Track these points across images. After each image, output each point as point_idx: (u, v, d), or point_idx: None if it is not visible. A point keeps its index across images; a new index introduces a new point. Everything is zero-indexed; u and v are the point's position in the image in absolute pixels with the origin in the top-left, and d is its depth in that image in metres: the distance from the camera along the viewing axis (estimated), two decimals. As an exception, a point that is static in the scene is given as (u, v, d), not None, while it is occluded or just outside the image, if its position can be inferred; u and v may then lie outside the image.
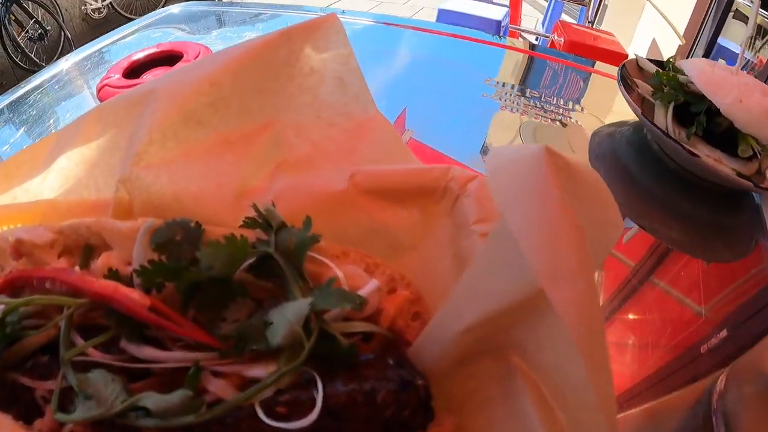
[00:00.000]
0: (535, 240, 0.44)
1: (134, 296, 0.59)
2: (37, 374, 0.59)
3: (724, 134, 1.24)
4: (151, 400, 0.53)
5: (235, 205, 0.69)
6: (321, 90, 0.82)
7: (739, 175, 1.19)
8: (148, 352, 0.58)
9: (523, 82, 1.69)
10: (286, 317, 0.55)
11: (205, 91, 0.76)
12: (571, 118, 1.49)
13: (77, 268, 0.64)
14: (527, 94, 1.58)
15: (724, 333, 0.96)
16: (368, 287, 0.60)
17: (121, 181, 0.70)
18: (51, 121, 1.24)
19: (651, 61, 1.51)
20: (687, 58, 1.56)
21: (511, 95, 1.57)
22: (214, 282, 0.59)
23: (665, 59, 1.47)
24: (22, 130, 1.22)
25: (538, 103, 1.54)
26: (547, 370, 0.51)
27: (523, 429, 0.54)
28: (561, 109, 1.53)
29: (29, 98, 1.32)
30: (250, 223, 0.64)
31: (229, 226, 0.65)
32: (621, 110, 1.53)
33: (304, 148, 0.76)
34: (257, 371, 0.56)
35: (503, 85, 1.61)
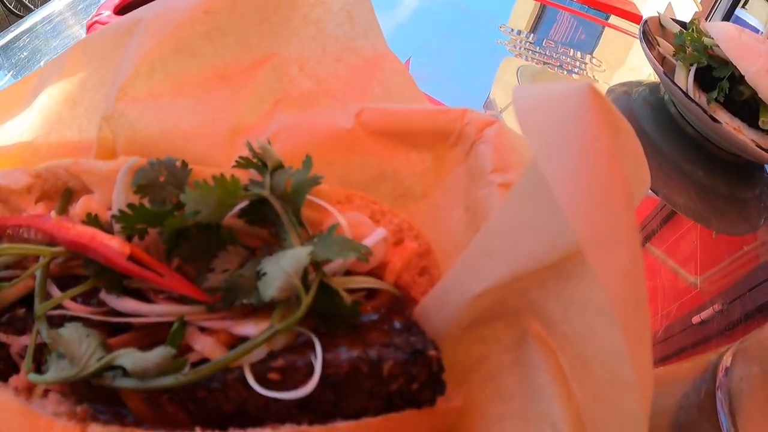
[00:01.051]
0: (580, 196, 0.36)
1: (113, 244, 0.53)
2: (12, 329, 0.54)
3: (744, 104, 1.21)
4: (129, 358, 0.47)
5: (230, 144, 0.62)
6: (327, 22, 0.74)
7: (758, 147, 1.16)
8: (128, 304, 0.52)
9: (534, 30, 1.62)
10: (282, 267, 0.48)
11: (199, 20, 0.68)
12: (585, 71, 1.44)
13: (53, 213, 0.57)
14: (543, 44, 1.53)
15: (717, 306, 0.95)
16: (374, 237, 0.53)
17: (105, 118, 0.63)
18: (42, 62, 1.17)
19: (674, 20, 1.45)
20: (707, 22, 1.49)
21: (525, 43, 1.50)
22: (201, 228, 0.52)
23: (688, 21, 1.42)
24: (10, 74, 1.15)
25: (554, 54, 1.48)
26: (573, 341, 0.44)
27: (536, 405, 0.48)
28: (577, 62, 1.48)
29: (19, 41, 1.25)
30: (243, 163, 0.57)
31: (221, 167, 0.59)
32: (633, 66, 1.50)
33: (307, 84, 0.68)
34: (248, 329, 0.50)
35: (519, 32, 1.54)
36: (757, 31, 1.54)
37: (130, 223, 0.53)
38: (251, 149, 0.57)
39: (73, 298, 0.54)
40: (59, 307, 0.53)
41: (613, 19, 1.78)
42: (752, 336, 0.70)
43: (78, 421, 0.48)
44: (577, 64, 1.47)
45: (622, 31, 1.72)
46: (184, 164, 0.55)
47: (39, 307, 0.52)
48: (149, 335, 0.53)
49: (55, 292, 0.55)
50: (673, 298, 0.93)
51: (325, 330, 0.49)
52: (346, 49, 0.73)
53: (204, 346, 0.49)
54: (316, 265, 0.49)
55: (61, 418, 0.48)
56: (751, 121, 1.20)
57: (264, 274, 0.49)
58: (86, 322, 0.52)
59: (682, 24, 1.41)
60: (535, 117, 0.40)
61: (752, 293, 0.97)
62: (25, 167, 0.65)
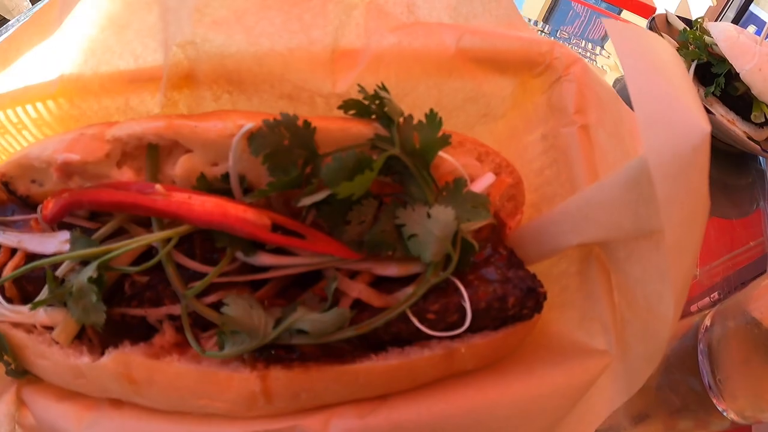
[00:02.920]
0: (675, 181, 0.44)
1: (249, 217, 0.53)
2: (147, 302, 0.56)
3: (739, 99, 1.35)
4: (308, 321, 0.53)
5: (330, 68, 0.59)
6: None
7: (750, 138, 1.31)
8: (267, 259, 0.55)
9: (547, 20, 1.67)
10: (433, 233, 0.54)
11: None
12: (596, 62, 1.53)
13: (159, 186, 0.53)
14: (557, 35, 1.58)
15: (715, 296, 1.11)
16: (485, 181, 0.59)
17: (181, 45, 0.55)
18: None
19: (680, 18, 1.52)
20: (717, 20, 1.72)
21: (540, 34, 1.42)
22: (337, 192, 0.54)
23: (694, 19, 1.50)
24: None
25: (567, 44, 1.50)
26: (628, 277, 0.56)
27: (592, 307, 0.63)
28: (588, 53, 1.56)
29: None
30: (358, 111, 0.56)
31: (325, 94, 0.58)
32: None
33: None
34: (390, 269, 0.57)
35: (535, 23, 1.58)
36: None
37: (264, 195, 0.53)
38: (365, 94, 0.55)
39: (204, 260, 0.55)
40: (196, 274, 0.54)
41: (625, 14, 1.87)
42: (730, 299, 0.85)
43: (258, 370, 0.54)
44: (588, 55, 1.55)
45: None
46: (306, 123, 0.53)
47: (188, 291, 0.53)
48: (289, 285, 0.58)
49: (184, 260, 0.55)
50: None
51: (458, 270, 0.58)
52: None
53: (360, 291, 0.56)
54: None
55: (240, 371, 0.54)
56: (745, 114, 1.34)
57: (414, 236, 0.54)
58: (229, 287, 0.55)
59: (687, 22, 1.48)
60: (637, 64, 0.47)
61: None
62: (86, 126, 0.57)
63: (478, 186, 0.59)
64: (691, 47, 1.42)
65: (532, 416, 0.57)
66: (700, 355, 0.81)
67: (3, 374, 0.65)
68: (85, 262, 0.56)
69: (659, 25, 1.54)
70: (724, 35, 1.34)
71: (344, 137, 0.55)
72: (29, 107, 0.63)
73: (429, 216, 0.54)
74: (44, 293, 0.58)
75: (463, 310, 0.55)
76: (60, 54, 0.60)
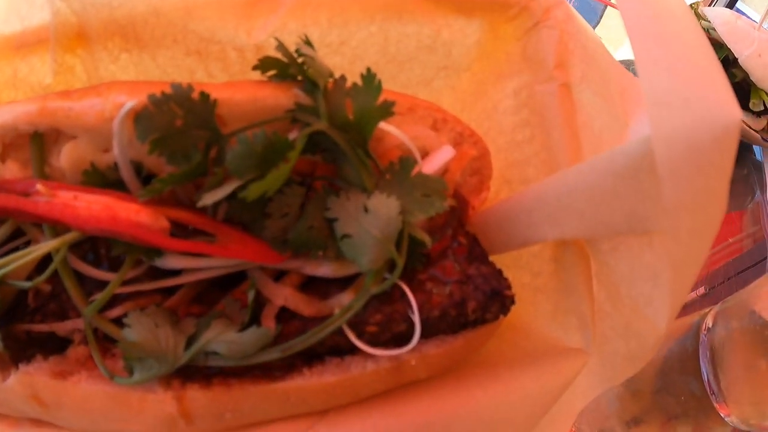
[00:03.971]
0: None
1: (143, 220, 0.42)
2: (51, 316, 0.47)
3: (737, 86, 1.26)
4: (223, 344, 0.44)
5: (246, 12, 0.47)
6: None
7: (749, 127, 1.25)
8: (175, 262, 0.46)
9: None
10: (370, 233, 0.44)
11: None
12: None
13: (40, 186, 0.42)
14: None
15: (701, 290, 1.05)
16: (441, 157, 0.48)
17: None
18: None
19: None
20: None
21: None
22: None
23: (689, 3, 1.39)
24: None
25: None
26: (612, 270, 0.48)
27: (566, 298, 0.54)
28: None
29: None
30: (278, 73, 0.44)
31: (240, 46, 0.48)
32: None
33: None
34: (323, 269, 0.47)
35: None
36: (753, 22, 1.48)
37: (159, 191, 0.42)
38: (283, 50, 0.43)
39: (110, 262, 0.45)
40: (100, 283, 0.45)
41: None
42: (732, 298, 0.78)
43: (174, 389, 0.46)
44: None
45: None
46: (205, 96, 0.41)
47: (87, 309, 0.44)
48: (207, 288, 0.48)
49: (84, 267, 0.46)
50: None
51: (406, 271, 0.48)
52: None
53: (286, 298, 0.46)
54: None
55: (154, 391, 0.46)
56: (743, 102, 1.25)
57: (348, 236, 0.44)
58: (134, 298, 0.46)
59: (683, 6, 1.29)
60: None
61: (734, 279, 1.04)
62: None
63: (433, 164, 0.48)
64: None
65: (498, 429, 0.50)
66: (702, 358, 0.74)
67: None
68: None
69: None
70: (722, 19, 1.27)
71: (255, 110, 0.43)
72: None
73: (366, 210, 0.44)
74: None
75: (411, 319, 0.46)
76: None
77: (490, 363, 0.52)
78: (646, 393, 0.79)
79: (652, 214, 0.38)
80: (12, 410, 0.52)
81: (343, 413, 0.49)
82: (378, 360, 0.48)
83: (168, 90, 0.41)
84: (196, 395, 0.46)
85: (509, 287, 0.49)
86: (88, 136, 0.43)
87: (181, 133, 0.41)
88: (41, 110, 0.42)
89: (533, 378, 0.51)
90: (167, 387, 0.46)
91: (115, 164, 0.44)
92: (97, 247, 0.47)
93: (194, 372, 0.46)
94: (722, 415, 0.71)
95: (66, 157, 0.43)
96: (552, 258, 0.55)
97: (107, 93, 0.42)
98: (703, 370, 0.73)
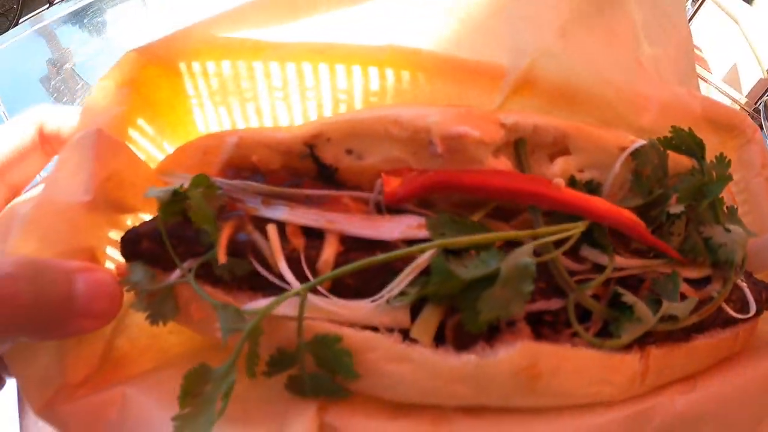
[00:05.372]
0: None
1: (636, 218, 0.63)
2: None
3: None
4: (676, 309, 0.63)
5: (642, 107, 0.71)
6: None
7: None
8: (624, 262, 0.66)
9: None
10: (732, 238, 0.69)
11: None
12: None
13: (559, 180, 0.61)
14: None
15: None
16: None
17: (538, 54, 0.63)
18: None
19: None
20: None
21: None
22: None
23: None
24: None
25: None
26: None
27: None
28: None
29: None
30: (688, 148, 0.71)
31: (634, 127, 0.71)
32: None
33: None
34: (692, 273, 0.69)
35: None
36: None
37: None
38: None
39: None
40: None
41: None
42: None
43: (637, 351, 0.63)
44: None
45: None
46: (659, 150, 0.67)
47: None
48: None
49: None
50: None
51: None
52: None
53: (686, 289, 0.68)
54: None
55: (630, 352, 0.61)
56: None
57: (723, 245, 0.69)
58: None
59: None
60: None
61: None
62: (487, 112, 0.61)
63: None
64: None
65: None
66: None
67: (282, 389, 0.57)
68: (450, 251, 0.54)
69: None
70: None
71: (674, 166, 0.69)
72: (356, 68, 0.63)
73: (728, 230, 0.71)
74: (395, 286, 0.54)
75: (745, 300, 0.72)
76: (390, 21, 0.63)
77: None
78: None
79: None
80: (471, 393, 0.56)
81: (707, 375, 0.70)
82: (728, 331, 0.71)
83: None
84: (656, 353, 0.63)
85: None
86: (583, 155, 0.63)
87: (655, 167, 0.66)
88: (575, 126, 0.62)
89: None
90: (637, 349, 0.62)
91: (585, 183, 0.64)
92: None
93: (648, 339, 0.63)
94: None
95: (558, 166, 0.62)
96: None
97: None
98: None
